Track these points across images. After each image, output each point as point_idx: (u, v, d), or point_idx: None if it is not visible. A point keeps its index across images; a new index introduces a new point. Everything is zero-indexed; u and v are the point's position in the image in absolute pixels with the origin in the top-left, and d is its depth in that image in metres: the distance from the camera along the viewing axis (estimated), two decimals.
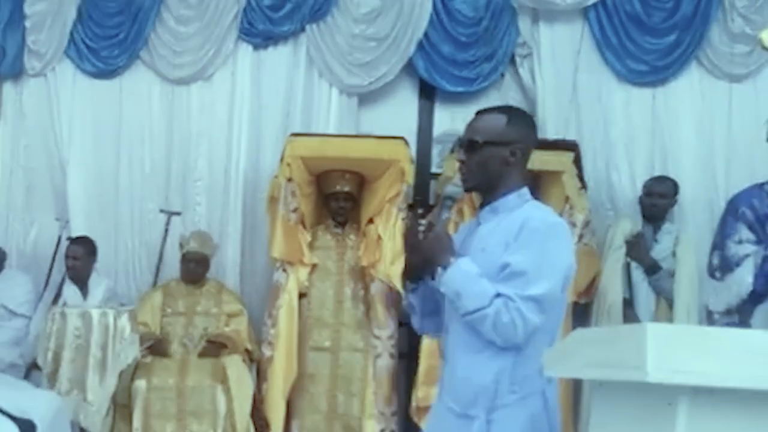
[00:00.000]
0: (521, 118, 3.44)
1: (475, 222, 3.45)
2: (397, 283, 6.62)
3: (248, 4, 7.52)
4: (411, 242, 3.38)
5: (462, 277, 3.19)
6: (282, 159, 6.90)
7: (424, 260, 3.35)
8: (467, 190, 3.41)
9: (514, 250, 3.17)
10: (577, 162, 6.73)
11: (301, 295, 6.88)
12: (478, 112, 3.47)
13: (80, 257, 7.02)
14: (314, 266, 6.94)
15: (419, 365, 6.57)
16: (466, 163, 3.35)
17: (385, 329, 6.75)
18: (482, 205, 3.41)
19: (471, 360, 3.26)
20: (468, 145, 3.34)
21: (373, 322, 6.77)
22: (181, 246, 7.18)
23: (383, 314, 6.74)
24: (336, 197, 6.99)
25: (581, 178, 6.72)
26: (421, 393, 6.50)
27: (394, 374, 6.74)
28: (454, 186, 3.37)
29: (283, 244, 6.82)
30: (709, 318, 6.21)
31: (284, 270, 6.87)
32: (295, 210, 6.89)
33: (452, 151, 6.86)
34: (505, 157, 3.32)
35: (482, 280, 3.16)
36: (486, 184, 3.36)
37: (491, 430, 3.20)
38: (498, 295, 3.11)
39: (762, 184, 6.12)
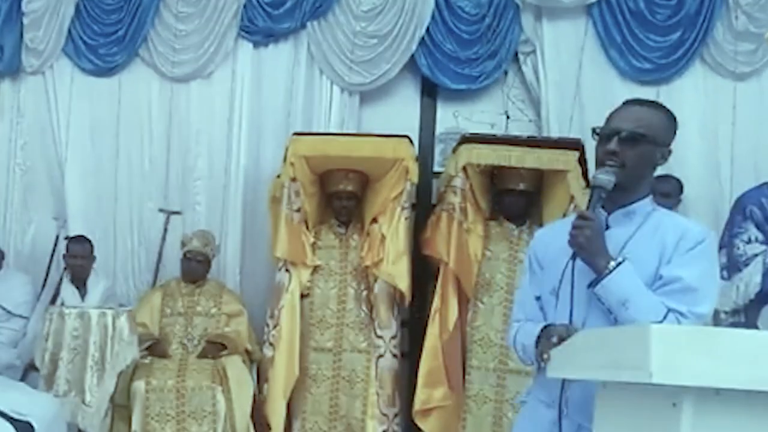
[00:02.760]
0: (674, 121, 3.29)
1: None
2: (400, 283, 6.61)
3: (248, 1, 7.54)
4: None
5: (631, 286, 3.02)
6: (285, 158, 6.89)
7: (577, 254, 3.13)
8: (616, 184, 3.11)
9: (682, 263, 3.04)
10: (582, 161, 6.68)
11: (303, 296, 6.86)
12: (634, 102, 3.29)
13: (85, 256, 7.06)
14: (317, 266, 6.92)
15: (420, 367, 6.55)
16: (620, 155, 3.12)
17: (388, 329, 6.73)
18: (608, 205, 3.19)
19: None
20: (632, 136, 3.11)
21: (375, 322, 6.74)
22: (183, 244, 7.18)
23: (386, 314, 6.72)
24: (339, 196, 6.98)
25: (586, 177, 6.67)
26: (423, 395, 6.49)
27: (397, 375, 6.73)
28: (608, 175, 3.13)
29: (286, 244, 6.81)
30: (715, 318, 6.16)
31: (287, 270, 6.85)
32: (298, 210, 6.88)
33: (458, 145, 6.82)
34: (657, 159, 3.20)
35: (650, 292, 3.02)
36: (632, 183, 3.17)
37: None
38: (669, 310, 2.98)
39: None
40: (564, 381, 3.09)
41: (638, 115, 3.17)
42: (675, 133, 3.26)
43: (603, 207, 3.16)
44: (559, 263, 3.19)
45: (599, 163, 3.18)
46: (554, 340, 3.04)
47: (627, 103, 3.27)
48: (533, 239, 3.56)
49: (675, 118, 3.28)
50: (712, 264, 3.13)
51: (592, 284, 3.07)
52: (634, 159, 3.11)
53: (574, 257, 3.13)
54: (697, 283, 3.00)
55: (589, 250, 3.07)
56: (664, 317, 2.97)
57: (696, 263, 3.03)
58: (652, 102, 3.34)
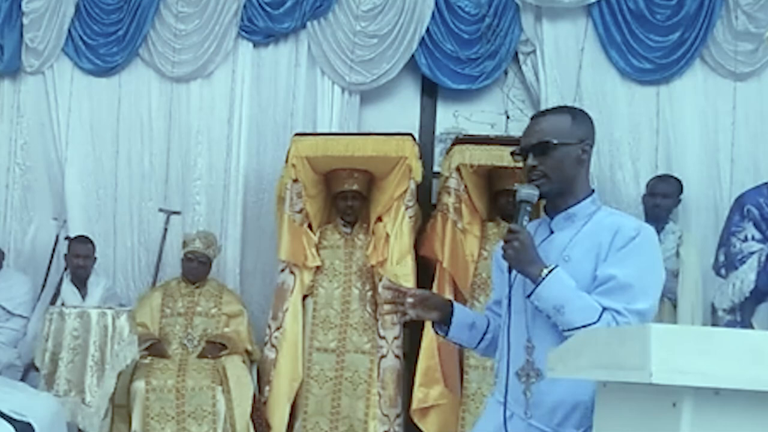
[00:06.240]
0: (583, 115, 3.38)
1: (544, 228, 3.33)
2: (404, 283, 6.58)
3: (248, 1, 7.54)
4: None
5: (563, 291, 3.09)
6: (287, 160, 6.89)
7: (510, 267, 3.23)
8: (543, 195, 3.25)
9: (616, 262, 3.10)
10: None
11: (305, 296, 6.88)
12: (537, 115, 3.41)
13: (88, 255, 7.07)
14: (320, 266, 6.93)
15: (417, 366, 6.57)
16: (538, 167, 3.23)
17: (391, 330, 6.71)
18: (551, 211, 3.33)
19: (569, 377, 3.16)
20: (540, 147, 3.23)
21: (379, 323, 6.73)
22: (185, 244, 7.18)
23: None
24: (344, 196, 6.98)
25: None
26: (420, 394, 6.50)
27: (399, 375, 6.72)
28: (530, 189, 3.26)
29: (289, 246, 6.82)
30: (713, 315, 6.18)
31: (292, 272, 6.87)
32: (300, 211, 6.89)
33: (452, 146, 6.86)
34: (579, 156, 3.27)
35: (584, 294, 3.08)
36: (562, 186, 3.25)
37: None
38: (604, 309, 3.04)
39: None
40: (511, 381, 3.26)
41: (540, 126, 3.29)
42: (590, 126, 3.36)
43: (549, 216, 3.32)
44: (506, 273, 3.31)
45: (527, 180, 3.29)
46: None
47: (532, 118, 3.41)
48: (500, 242, 3.60)
49: (581, 113, 3.39)
50: (648, 259, 3.15)
51: (528, 294, 3.16)
52: (553, 166, 3.22)
53: (509, 270, 3.23)
54: (631, 280, 3.05)
55: (520, 261, 3.16)
56: (600, 317, 3.02)
57: (629, 260, 3.08)
58: (555, 108, 3.56)
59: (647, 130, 7.29)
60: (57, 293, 7.10)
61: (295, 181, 6.84)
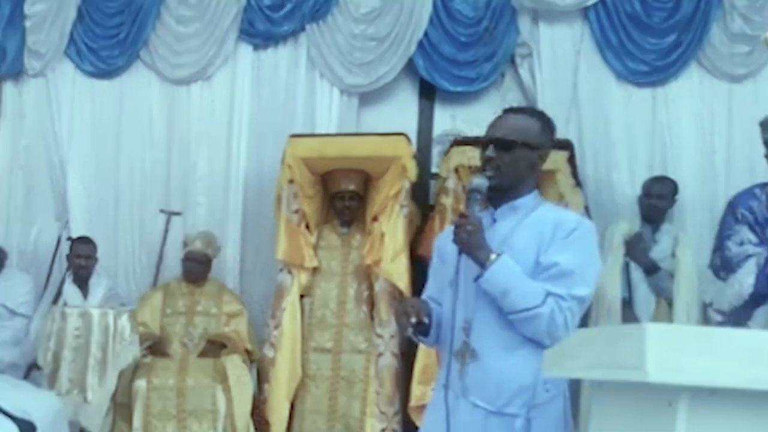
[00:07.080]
0: (549, 125, 3.54)
1: (487, 217, 3.44)
2: (399, 282, 6.61)
3: (248, 4, 7.55)
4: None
5: (509, 275, 3.24)
6: (282, 161, 6.90)
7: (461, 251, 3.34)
8: (493, 187, 3.39)
9: (558, 250, 3.27)
10: (571, 160, 6.71)
11: (302, 296, 6.89)
12: (509, 111, 3.57)
13: (90, 256, 7.09)
14: (317, 267, 6.94)
15: (415, 364, 6.56)
16: (495, 160, 3.39)
17: (388, 328, 6.68)
18: (495, 202, 3.46)
19: (509, 358, 3.28)
20: (503, 143, 3.38)
21: (376, 321, 6.74)
22: (185, 245, 7.20)
23: (387, 313, 6.67)
24: (341, 197, 6.98)
25: (575, 176, 6.71)
26: (418, 392, 6.48)
27: (396, 373, 6.70)
28: (481, 179, 3.39)
29: (286, 246, 6.83)
30: (704, 313, 6.19)
31: (289, 272, 6.88)
32: (296, 211, 6.89)
33: (450, 147, 6.87)
34: (534, 162, 3.44)
35: (529, 279, 3.24)
36: (511, 184, 3.41)
37: (532, 428, 3.25)
38: (548, 294, 3.21)
39: (763, 185, 6.10)
40: (451, 363, 3.40)
41: (510, 123, 3.45)
42: (552, 135, 3.56)
43: (493, 206, 3.47)
44: (454, 258, 3.39)
45: (481, 168, 3.49)
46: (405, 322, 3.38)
47: (504, 112, 3.57)
48: (442, 232, 3.82)
49: (549, 122, 3.56)
50: (587, 249, 3.34)
51: (477, 278, 3.29)
52: (509, 163, 3.38)
53: (460, 254, 3.34)
54: (573, 267, 3.24)
55: (471, 245, 3.30)
56: (544, 301, 3.19)
57: (570, 249, 3.27)
58: (527, 109, 3.78)
59: (643, 132, 7.29)
60: (59, 293, 7.13)
61: (291, 181, 6.86)
